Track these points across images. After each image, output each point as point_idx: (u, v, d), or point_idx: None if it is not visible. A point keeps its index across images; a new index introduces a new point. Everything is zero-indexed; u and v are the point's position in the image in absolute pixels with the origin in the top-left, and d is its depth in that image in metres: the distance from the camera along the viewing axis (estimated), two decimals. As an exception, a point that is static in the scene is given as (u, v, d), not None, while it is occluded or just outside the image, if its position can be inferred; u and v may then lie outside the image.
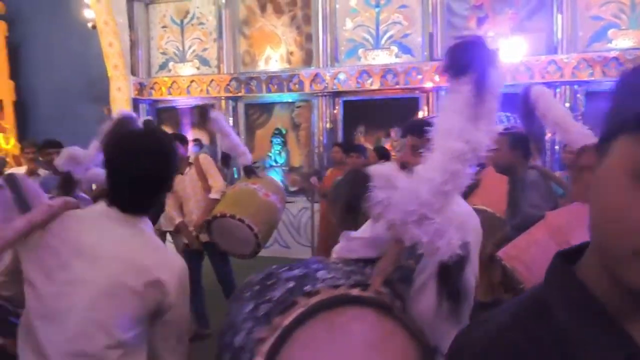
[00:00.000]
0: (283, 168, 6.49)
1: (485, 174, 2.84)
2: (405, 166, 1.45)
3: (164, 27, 6.79)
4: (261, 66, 6.49)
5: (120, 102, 6.39)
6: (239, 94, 6.48)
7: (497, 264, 2.03)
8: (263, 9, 6.47)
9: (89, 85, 6.83)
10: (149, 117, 3.90)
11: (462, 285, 1.24)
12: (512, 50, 5.22)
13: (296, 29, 6.34)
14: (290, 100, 6.44)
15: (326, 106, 6.16)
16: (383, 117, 5.92)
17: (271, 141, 6.52)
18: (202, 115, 3.38)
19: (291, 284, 1.23)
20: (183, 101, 6.79)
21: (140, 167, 1.20)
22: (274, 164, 6.48)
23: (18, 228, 1.14)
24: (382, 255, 1.30)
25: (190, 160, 3.60)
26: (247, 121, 6.59)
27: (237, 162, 3.62)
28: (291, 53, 6.39)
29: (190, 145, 4.64)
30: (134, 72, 6.59)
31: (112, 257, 1.17)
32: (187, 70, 6.74)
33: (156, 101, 6.85)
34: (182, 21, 6.74)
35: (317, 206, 5.00)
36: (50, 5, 6.86)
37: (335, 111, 6.19)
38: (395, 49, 5.92)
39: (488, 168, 2.77)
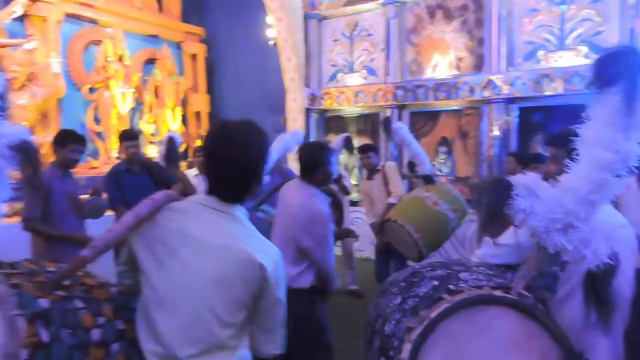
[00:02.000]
0: (448, 178, 6.30)
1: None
2: (548, 176, 1.48)
3: (334, 40, 7.17)
4: (428, 74, 6.41)
5: (295, 112, 6.94)
6: (405, 103, 6.50)
7: None
8: (432, 15, 6.39)
9: (267, 97, 7.55)
10: (347, 134, 4.45)
11: (611, 295, 1.24)
12: None
13: (467, 33, 6.11)
14: (457, 108, 6.23)
15: (498, 113, 5.80)
16: (565, 125, 5.33)
17: (436, 150, 6.39)
18: (384, 125, 3.62)
19: (436, 282, 1.36)
20: (349, 110, 7.08)
21: (239, 155, 1.23)
22: (438, 173, 6.33)
23: (128, 222, 1.24)
24: (523, 261, 1.34)
25: (378, 167, 3.97)
26: (412, 129, 6.56)
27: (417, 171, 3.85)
28: (460, 59, 6.18)
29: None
30: (307, 83, 7.09)
31: (217, 245, 1.22)
32: (354, 80, 7.01)
33: (325, 110, 7.27)
34: (351, 34, 7.03)
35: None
36: (240, 27, 7.78)
37: (508, 118, 5.79)
38: (583, 48, 5.30)
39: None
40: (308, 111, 7.12)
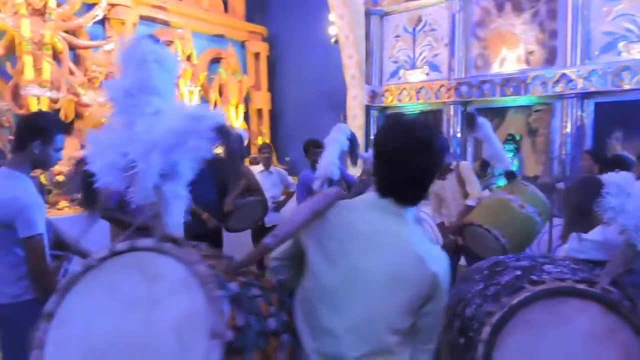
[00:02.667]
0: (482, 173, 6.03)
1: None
2: None
3: (396, 36, 7.07)
4: (495, 69, 6.17)
5: (355, 109, 6.92)
6: (470, 99, 6.30)
7: None
8: (500, 8, 6.14)
9: (328, 94, 7.59)
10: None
11: None
12: None
13: (538, 26, 5.82)
14: (526, 104, 5.95)
15: (572, 109, 5.48)
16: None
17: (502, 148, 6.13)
18: (469, 120, 3.45)
19: (519, 272, 1.38)
20: (410, 107, 6.97)
21: (420, 160, 1.21)
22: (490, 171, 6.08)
23: (305, 215, 1.24)
24: (611, 258, 1.34)
25: (452, 167, 3.81)
26: (476, 126, 6.36)
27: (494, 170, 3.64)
28: (530, 53, 5.90)
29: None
30: (367, 80, 7.05)
31: (390, 247, 1.20)
32: (416, 76, 6.88)
33: (385, 107, 7.19)
34: (414, 29, 6.91)
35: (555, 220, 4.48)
36: (301, 25, 7.87)
37: (583, 114, 5.45)
38: (672, 38, 4.89)
39: None
40: (368, 108, 7.08)
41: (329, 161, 3.29)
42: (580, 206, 1.42)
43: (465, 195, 3.70)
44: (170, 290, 1.07)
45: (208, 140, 1.16)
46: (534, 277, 1.31)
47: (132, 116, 1.18)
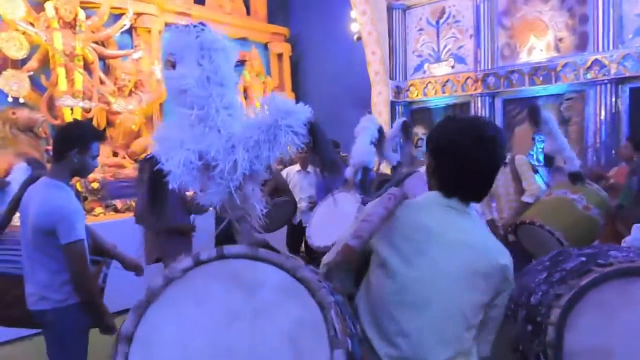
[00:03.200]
0: (547, 168, 5.87)
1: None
2: None
3: (419, 30, 6.99)
4: (523, 58, 6.02)
5: (380, 106, 6.88)
6: (498, 90, 6.16)
7: None
8: (526, -5, 5.99)
9: (352, 91, 7.56)
10: (404, 119, 4.02)
11: None
12: None
13: (567, 11, 5.64)
14: (557, 93, 5.78)
15: (606, 96, 5.29)
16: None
17: (533, 138, 5.97)
18: (532, 114, 3.19)
19: (583, 258, 1.35)
20: (436, 101, 6.87)
21: (486, 156, 1.20)
22: (536, 163, 5.92)
23: (381, 214, 1.20)
24: None
25: (506, 160, 3.60)
26: (505, 118, 6.23)
27: (564, 168, 3.31)
28: (560, 39, 5.73)
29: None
30: (391, 76, 6.99)
31: (462, 244, 1.19)
32: (441, 69, 6.79)
33: (410, 102, 7.12)
34: (437, 22, 6.81)
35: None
36: (323, 24, 7.87)
37: (618, 101, 5.26)
38: None
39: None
40: (393, 104, 7.03)
41: (363, 149, 3.16)
42: None
43: (520, 191, 3.50)
44: (275, 299, 1.01)
45: (300, 136, 1.08)
46: (600, 261, 1.29)
47: (207, 109, 1.08)
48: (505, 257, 1.22)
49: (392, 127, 6.86)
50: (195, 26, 1.14)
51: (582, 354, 1.20)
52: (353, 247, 1.17)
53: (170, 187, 1.08)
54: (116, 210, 5.16)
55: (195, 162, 1.06)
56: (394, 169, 3.86)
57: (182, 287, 1.04)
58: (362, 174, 3.20)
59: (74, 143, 2.08)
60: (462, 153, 1.19)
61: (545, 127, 3.20)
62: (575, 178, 3.11)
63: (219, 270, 1.05)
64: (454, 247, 1.19)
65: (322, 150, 1.16)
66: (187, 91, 1.09)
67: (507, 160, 3.61)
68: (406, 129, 3.96)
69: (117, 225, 4.16)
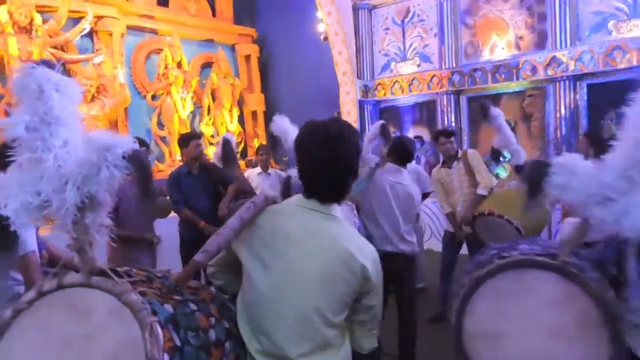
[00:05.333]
0: (494, 161, 6.01)
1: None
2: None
3: (386, 29, 7.05)
4: (485, 56, 6.14)
5: (348, 105, 6.91)
6: (462, 88, 6.27)
7: None
8: (487, -6, 6.11)
9: (321, 92, 7.57)
10: (383, 122, 4.04)
11: None
12: None
13: (526, 10, 5.78)
14: (519, 90, 5.93)
15: (565, 92, 5.45)
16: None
17: (497, 134, 6.11)
18: (482, 111, 3.33)
19: (494, 252, 1.58)
20: (404, 99, 6.95)
21: (337, 154, 1.22)
22: (501, 159, 6.05)
23: (234, 226, 1.28)
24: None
25: (459, 155, 3.73)
26: (470, 115, 6.34)
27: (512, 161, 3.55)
28: (520, 37, 5.87)
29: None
30: (359, 75, 7.03)
31: (319, 246, 1.24)
32: (408, 68, 6.86)
33: (379, 101, 7.18)
34: (402, 21, 6.88)
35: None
36: (290, 25, 7.84)
37: (576, 97, 5.42)
38: (661, 14, 4.85)
39: None
40: (362, 103, 7.07)
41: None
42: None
43: (474, 184, 3.58)
44: (103, 323, 1.09)
45: (121, 169, 1.13)
46: (504, 254, 1.49)
47: (40, 151, 1.12)
48: (365, 258, 1.24)
49: (360, 125, 6.92)
50: (35, 66, 1.16)
51: (479, 336, 1.40)
52: (198, 262, 1.30)
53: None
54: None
55: (32, 203, 1.11)
56: (372, 170, 3.90)
57: (29, 317, 1.14)
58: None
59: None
60: (309, 153, 1.25)
61: (494, 122, 3.35)
62: (519, 171, 3.29)
63: (58, 299, 1.14)
64: (312, 250, 1.23)
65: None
66: (21, 136, 1.13)
67: (459, 156, 3.72)
68: (385, 132, 4.02)
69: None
